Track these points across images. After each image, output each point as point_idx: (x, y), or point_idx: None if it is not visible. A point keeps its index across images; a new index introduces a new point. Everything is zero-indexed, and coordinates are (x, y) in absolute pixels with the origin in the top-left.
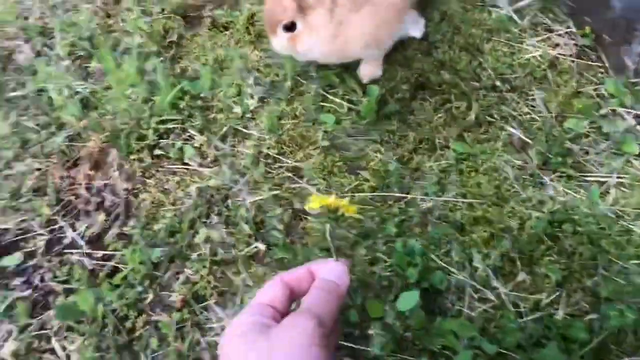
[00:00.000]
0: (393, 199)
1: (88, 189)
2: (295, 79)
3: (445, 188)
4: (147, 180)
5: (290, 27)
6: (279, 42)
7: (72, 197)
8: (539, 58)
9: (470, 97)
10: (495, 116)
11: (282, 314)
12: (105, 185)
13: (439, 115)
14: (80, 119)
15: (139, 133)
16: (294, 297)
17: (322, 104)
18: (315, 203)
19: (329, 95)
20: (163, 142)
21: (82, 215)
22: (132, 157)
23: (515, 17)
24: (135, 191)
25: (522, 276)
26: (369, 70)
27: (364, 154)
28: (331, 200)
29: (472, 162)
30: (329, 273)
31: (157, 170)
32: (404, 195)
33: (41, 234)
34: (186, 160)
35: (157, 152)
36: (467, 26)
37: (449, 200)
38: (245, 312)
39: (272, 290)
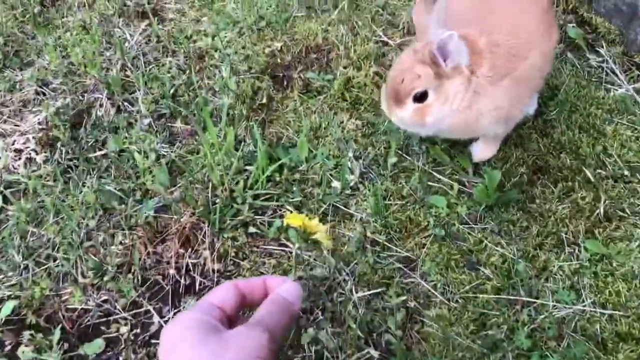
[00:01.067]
0: (520, 303)
1: (177, 268)
2: (397, 153)
3: (579, 294)
4: (241, 263)
5: (421, 98)
6: (405, 113)
7: (159, 277)
8: None
9: (598, 187)
10: (627, 211)
11: (229, 318)
12: (195, 265)
13: (564, 205)
14: (168, 187)
15: (233, 207)
16: (244, 305)
17: (429, 183)
18: (291, 220)
19: (436, 174)
20: (259, 219)
21: (169, 299)
22: (224, 234)
23: (637, 97)
24: (228, 274)
25: None
26: (484, 150)
27: (482, 246)
28: (306, 222)
29: (606, 264)
30: (285, 291)
31: (252, 251)
32: (532, 300)
33: (125, 318)
34: (283, 241)
35: (252, 229)
36: (584, 104)
37: (587, 309)
38: (194, 309)
39: (224, 293)
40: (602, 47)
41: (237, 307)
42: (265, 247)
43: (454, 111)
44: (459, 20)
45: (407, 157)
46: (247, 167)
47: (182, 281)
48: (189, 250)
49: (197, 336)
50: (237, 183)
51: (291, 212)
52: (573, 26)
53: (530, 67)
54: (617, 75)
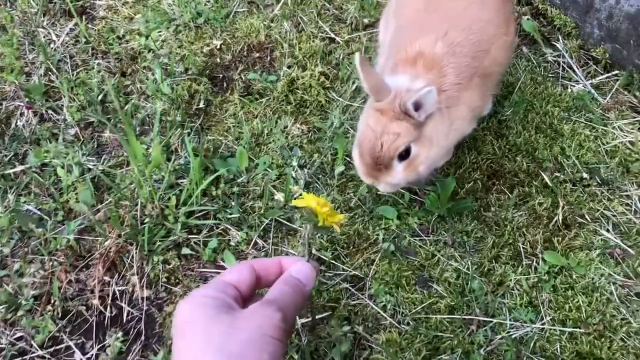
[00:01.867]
0: (476, 322)
1: (102, 298)
2: (345, 160)
3: (538, 310)
4: (173, 289)
5: (405, 154)
6: (396, 176)
7: (82, 308)
8: (629, 145)
9: (556, 192)
10: (587, 217)
11: (244, 298)
12: (122, 292)
13: (520, 213)
14: (93, 206)
15: (165, 227)
16: (259, 285)
17: (379, 193)
18: (300, 201)
19: None
20: (193, 238)
21: (93, 333)
22: (155, 257)
23: (595, 93)
24: (159, 302)
25: None
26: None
27: (435, 260)
28: (314, 205)
29: (566, 276)
30: (297, 271)
31: (185, 275)
32: (488, 319)
33: (42, 357)
34: (221, 262)
35: (186, 250)
36: (540, 102)
37: (546, 327)
38: (209, 286)
39: (241, 272)
40: (558, 40)
41: (253, 287)
42: (200, 270)
43: (442, 146)
44: (412, 23)
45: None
46: (181, 181)
47: (107, 312)
48: (116, 276)
49: (208, 316)
50: (169, 199)
51: (229, 229)
52: (528, 18)
53: (494, 60)
54: (574, 71)
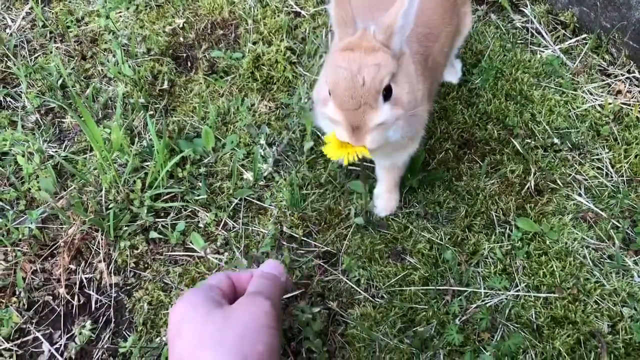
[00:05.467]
0: (450, 293)
1: (69, 286)
2: (315, 135)
3: (512, 278)
4: (142, 274)
5: (387, 93)
6: (384, 113)
7: (49, 298)
8: (598, 109)
9: (527, 158)
10: (559, 182)
11: (228, 299)
12: (90, 280)
13: (492, 181)
14: (56, 194)
15: (131, 212)
16: (235, 293)
17: (350, 167)
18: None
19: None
20: (160, 222)
21: (61, 323)
22: (122, 243)
23: (564, 57)
24: (128, 287)
25: None
26: (389, 199)
27: (407, 233)
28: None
29: (539, 242)
30: (268, 267)
31: (154, 259)
32: (463, 288)
33: (9, 350)
34: (190, 245)
35: (154, 235)
36: (510, 69)
37: (520, 294)
38: (198, 288)
39: (220, 278)
40: (527, 6)
41: (233, 291)
42: (169, 253)
43: (417, 90)
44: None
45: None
46: (146, 164)
47: (75, 301)
48: (82, 264)
49: (202, 314)
50: (134, 183)
51: (197, 211)
52: None
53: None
54: (542, 36)
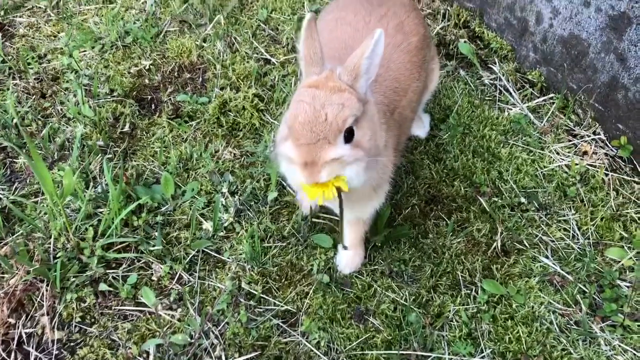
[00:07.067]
0: (414, 358)
1: (6, 342)
2: (280, 186)
3: (477, 342)
4: (88, 329)
5: (349, 135)
6: (340, 150)
7: None
8: (565, 169)
9: (494, 217)
10: (525, 243)
11: None
12: (30, 335)
13: (459, 239)
14: (1, 239)
15: (80, 262)
16: None
17: (314, 220)
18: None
19: (322, 209)
20: (111, 273)
21: None
22: (69, 295)
23: (531, 116)
24: (72, 344)
25: None
26: (353, 256)
27: (371, 292)
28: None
29: (505, 306)
30: None
31: (102, 314)
32: (426, 353)
33: None
34: (141, 299)
35: (103, 287)
36: (478, 125)
37: None
38: None
39: None
40: (495, 63)
41: None
42: (118, 308)
43: (379, 137)
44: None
45: (290, 190)
46: (100, 211)
47: (11, 359)
48: (23, 317)
49: None
50: (86, 230)
51: (151, 262)
52: (465, 41)
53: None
54: (510, 94)
